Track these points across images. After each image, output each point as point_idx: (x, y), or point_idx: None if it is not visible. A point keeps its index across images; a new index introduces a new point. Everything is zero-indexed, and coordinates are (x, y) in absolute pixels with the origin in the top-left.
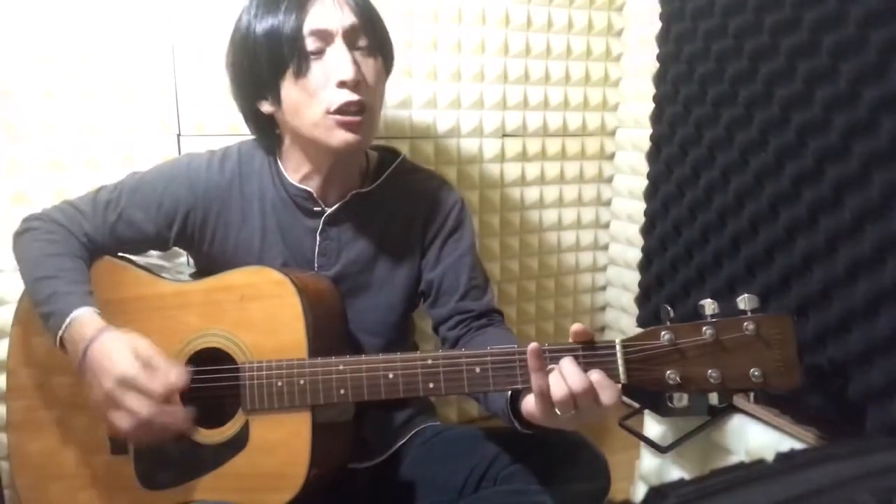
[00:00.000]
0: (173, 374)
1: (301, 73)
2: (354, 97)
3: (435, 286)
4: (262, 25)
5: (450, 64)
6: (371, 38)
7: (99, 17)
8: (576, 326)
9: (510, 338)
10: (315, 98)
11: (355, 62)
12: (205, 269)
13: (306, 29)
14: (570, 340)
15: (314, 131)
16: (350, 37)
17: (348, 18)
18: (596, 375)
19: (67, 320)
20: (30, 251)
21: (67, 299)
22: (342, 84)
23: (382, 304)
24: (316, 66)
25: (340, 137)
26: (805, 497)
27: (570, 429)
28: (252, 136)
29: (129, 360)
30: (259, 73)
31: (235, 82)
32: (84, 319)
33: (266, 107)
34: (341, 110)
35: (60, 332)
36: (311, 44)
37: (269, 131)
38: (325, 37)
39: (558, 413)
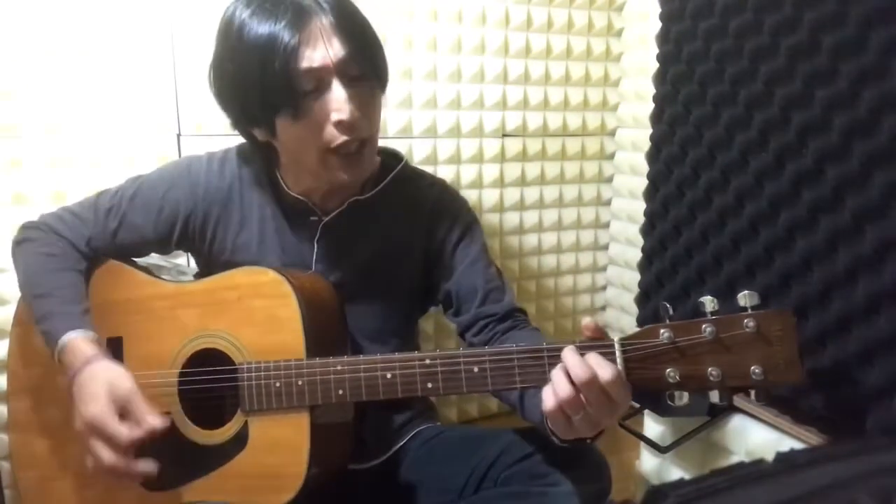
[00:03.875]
0: (147, 423)
1: (299, 114)
2: (353, 136)
3: (454, 295)
4: (251, 66)
5: (450, 64)
6: (363, 65)
7: (99, 17)
8: (587, 322)
9: (536, 336)
10: (314, 135)
11: (351, 99)
12: (205, 270)
13: (300, 69)
14: (585, 335)
15: (314, 166)
16: (343, 68)
17: (340, 50)
18: (593, 358)
19: (60, 345)
20: (28, 264)
21: (61, 321)
22: (339, 123)
23: (382, 311)
24: (313, 105)
25: (341, 176)
26: (805, 497)
27: (588, 433)
28: None
29: (104, 402)
30: (251, 111)
31: (226, 111)
32: (74, 345)
33: (260, 134)
34: (340, 149)
35: (56, 354)
36: (306, 83)
37: (264, 148)
38: (319, 75)
39: (570, 415)
